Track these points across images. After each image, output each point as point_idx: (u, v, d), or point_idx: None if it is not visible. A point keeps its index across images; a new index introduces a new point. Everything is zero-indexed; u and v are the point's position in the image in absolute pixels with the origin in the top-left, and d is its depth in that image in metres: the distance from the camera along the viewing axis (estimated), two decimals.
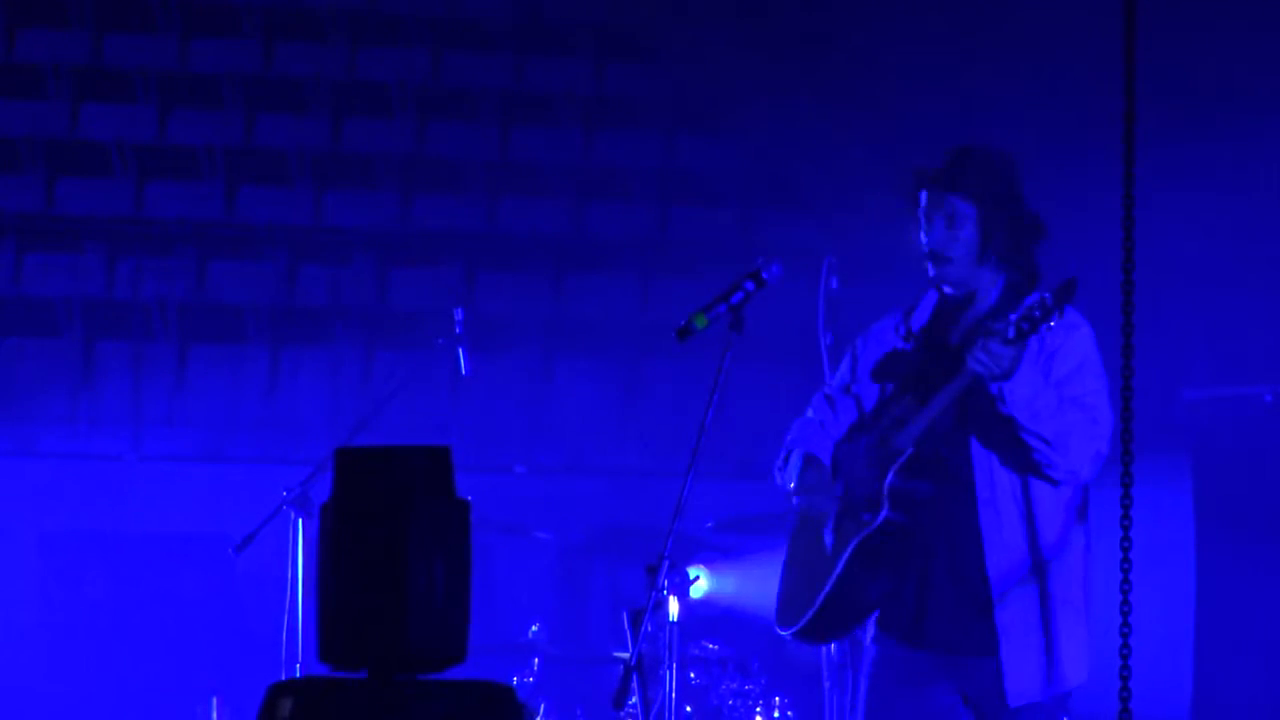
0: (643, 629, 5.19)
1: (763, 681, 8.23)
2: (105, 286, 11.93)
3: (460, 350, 8.83)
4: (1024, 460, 5.14)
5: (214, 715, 9.25)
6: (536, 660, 8.81)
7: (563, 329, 11.99)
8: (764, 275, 5.27)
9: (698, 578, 7.38)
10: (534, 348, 11.85)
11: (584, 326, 12.00)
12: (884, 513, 5.16)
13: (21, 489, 10.65)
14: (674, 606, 6.91)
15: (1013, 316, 4.95)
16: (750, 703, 8.14)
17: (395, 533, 4.11)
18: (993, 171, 5.29)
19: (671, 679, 6.85)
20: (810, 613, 5.27)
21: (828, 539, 5.29)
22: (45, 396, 11.36)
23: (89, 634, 10.40)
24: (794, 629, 5.36)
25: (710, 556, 8.91)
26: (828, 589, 5.22)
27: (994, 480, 5.18)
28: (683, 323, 5.17)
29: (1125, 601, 4.02)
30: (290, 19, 13.61)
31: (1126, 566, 4.04)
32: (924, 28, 12.02)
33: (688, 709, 8.05)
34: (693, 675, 8.20)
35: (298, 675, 7.94)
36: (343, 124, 13.14)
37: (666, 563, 5.19)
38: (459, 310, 8.92)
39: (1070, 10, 10.78)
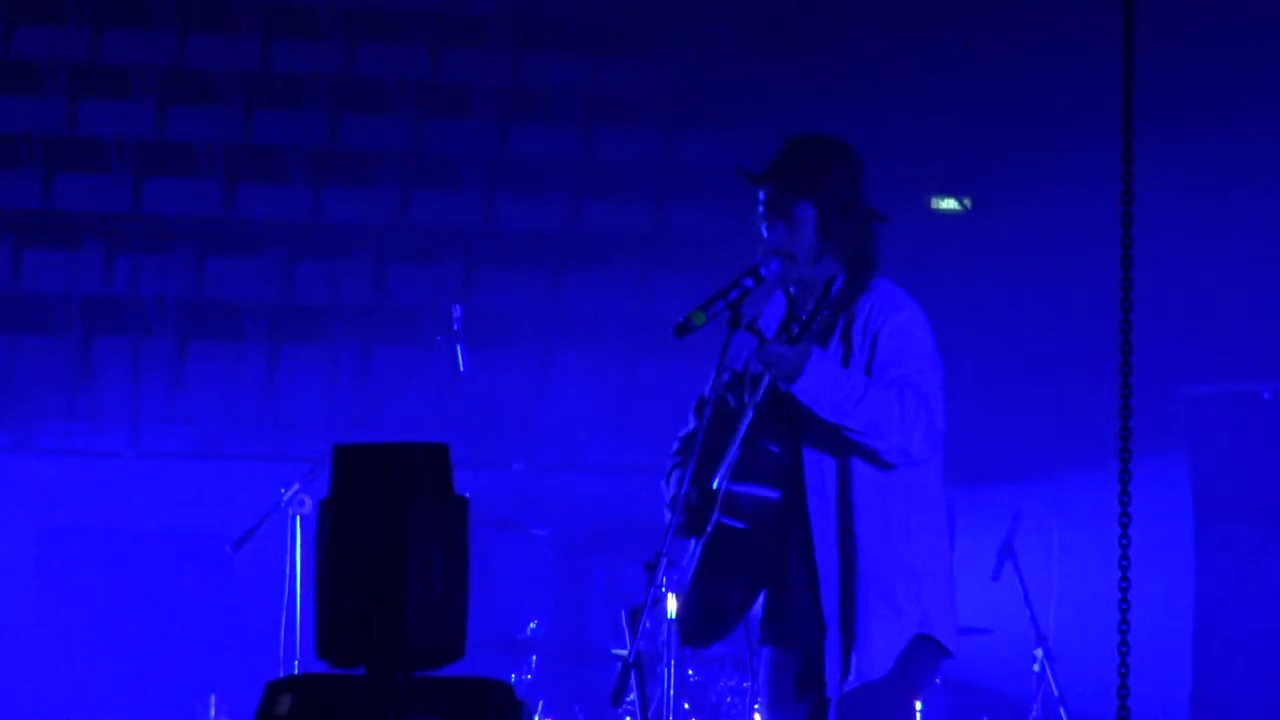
0: (641, 626, 5.19)
1: None
2: (104, 283, 11.92)
3: (458, 347, 8.83)
4: (850, 447, 5.14)
5: (212, 712, 9.24)
6: (535, 657, 8.81)
7: (561, 325, 11.99)
8: (762, 272, 5.25)
9: None
10: (532, 344, 11.84)
11: (582, 323, 11.99)
12: (714, 518, 5.18)
13: (20, 485, 10.65)
14: (672, 603, 6.90)
15: (802, 316, 5.00)
16: (749, 700, 8.13)
17: (393, 529, 4.11)
18: (828, 166, 5.28)
19: (670, 676, 6.83)
20: (679, 617, 5.32)
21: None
22: (43, 393, 11.35)
23: (87, 630, 10.39)
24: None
25: None
26: (686, 595, 5.27)
27: (822, 470, 5.19)
28: (681, 319, 5.15)
29: (1124, 599, 4.01)
30: (288, 16, 13.60)
31: (1125, 564, 4.04)
32: (926, 27, 12.01)
33: (686, 706, 8.05)
34: (691, 672, 8.20)
35: (296, 672, 7.93)
36: (341, 120, 13.12)
37: (665, 559, 5.19)
38: (457, 307, 8.92)
39: (1071, 11, 10.78)
